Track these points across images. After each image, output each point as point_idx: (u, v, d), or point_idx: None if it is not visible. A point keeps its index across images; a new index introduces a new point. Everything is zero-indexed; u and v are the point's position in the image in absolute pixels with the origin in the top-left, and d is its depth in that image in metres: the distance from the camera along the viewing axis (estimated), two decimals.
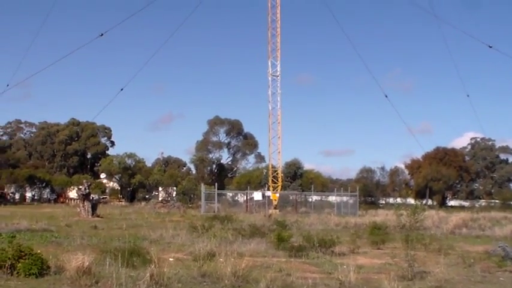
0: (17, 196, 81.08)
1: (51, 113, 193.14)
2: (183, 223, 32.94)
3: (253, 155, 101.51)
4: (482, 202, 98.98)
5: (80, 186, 45.70)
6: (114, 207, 59.84)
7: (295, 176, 79.24)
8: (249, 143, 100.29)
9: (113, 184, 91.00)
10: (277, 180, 63.13)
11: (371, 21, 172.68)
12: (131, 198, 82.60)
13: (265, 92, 64.01)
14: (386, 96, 61.36)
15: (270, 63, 62.94)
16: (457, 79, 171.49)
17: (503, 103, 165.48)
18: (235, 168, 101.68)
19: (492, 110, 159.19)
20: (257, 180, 76.60)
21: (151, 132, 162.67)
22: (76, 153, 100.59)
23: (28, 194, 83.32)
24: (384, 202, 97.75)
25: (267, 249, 20.64)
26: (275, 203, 60.31)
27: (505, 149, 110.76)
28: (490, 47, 53.76)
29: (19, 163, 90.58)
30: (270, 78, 62.92)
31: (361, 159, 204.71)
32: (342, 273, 13.48)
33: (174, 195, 79.55)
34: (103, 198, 70.32)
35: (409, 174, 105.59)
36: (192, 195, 74.01)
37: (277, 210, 57.45)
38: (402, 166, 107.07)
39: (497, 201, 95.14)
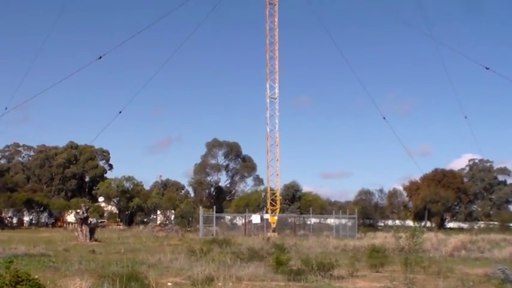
0: (14, 220, 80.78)
1: (49, 136, 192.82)
2: (181, 247, 32.87)
3: (251, 178, 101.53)
4: (481, 224, 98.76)
5: (78, 210, 45.65)
6: (112, 231, 59.67)
7: (294, 199, 79.13)
8: (247, 166, 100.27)
9: (111, 207, 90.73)
10: (276, 203, 62.99)
11: (369, 44, 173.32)
12: (129, 221, 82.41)
13: (264, 115, 64.23)
14: (384, 118, 61.86)
15: (268, 86, 63.23)
16: (455, 101, 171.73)
17: (501, 124, 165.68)
18: (234, 191, 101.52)
19: (490, 132, 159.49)
20: (255, 203, 76.44)
21: (150, 155, 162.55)
22: (74, 177, 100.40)
23: (26, 218, 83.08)
24: (382, 224, 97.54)
25: (265, 273, 20.58)
26: (273, 225, 60.18)
27: (503, 171, 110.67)
28: (487, 68, 54.30)
29: (17, 187, 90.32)
30: (268, 101, 63.15)
31: (359, 181, 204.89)
32: None
33: (172, 218, 79.39)
34: (101, 222, 70.03)
35: (407, 196, 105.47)
36: (190, 219, 73.87)
37: (276, 233, 57.28)
38: (401, 188, 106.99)
39: (496, 223, 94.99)
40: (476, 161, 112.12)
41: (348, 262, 23.47)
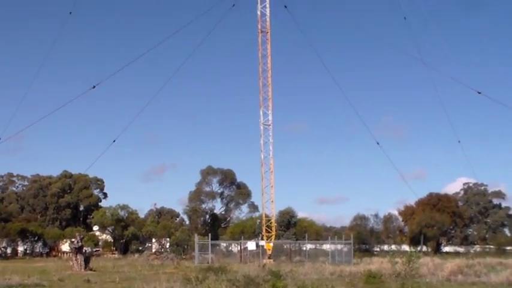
0: (8, 250, 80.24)
1: (43, 166, 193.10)
2: (176, 275, 32.71)
3: (246, 205, 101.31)
4: (477, 248, 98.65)
5: (73, 239, 45.47)
6: (107, 260, 59.37)
7: (289, 225, 78.92)
8: (242, 193, 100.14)
9: (106, 236, 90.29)
10: (271, 230, 62.79)
11: (361, 69, 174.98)
12: (124, 250, 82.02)
13: (258, 141, 64.22)
14: (378, 143, 62.00)
15: (261, 113, 63.37)
16: (448, 124, 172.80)
17: (494, 148, 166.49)
18: (229, 218, 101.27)
19: (484, 155, 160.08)
20: (251, 230, 76.24)
21: (144, 183, 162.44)
22: (69, 206, 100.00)
23: (20, 248, 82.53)
24: (378, 249, 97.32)
25: None
26: (269, 252, 59.93)
27: (497, 194, 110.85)
28: (479, 92, 54.55)
29: (11, 217, 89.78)
30: (262, 127, 63.26)
31: (354, 206, 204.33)
32: None
33: (167, 246, 79.01)
34: (96, 250, 69.69)
35: (402, 220, 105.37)
36: (185, 246, 73.54)
37: (272, 260, 57.06)
38: (396, 213, 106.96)
39: (492, 246, 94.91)
40: (471, 184, 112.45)
41: None
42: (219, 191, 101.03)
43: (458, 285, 29.44)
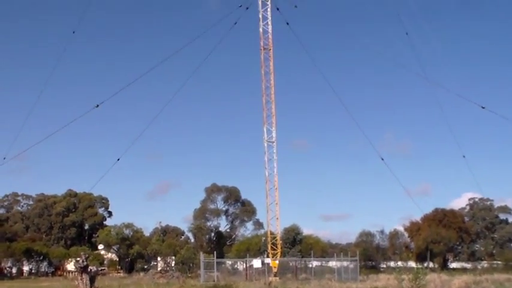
0: (14, 270, 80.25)
1: (48, 185, 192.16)
2: None
3: (251, 222, 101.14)
4: (484, 263, 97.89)
5: (78, 259, 45.23)
6: (112, 279, 59.18)
7: (295, 242, 78.55)
8: (247, 210, 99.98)
9: (111, 255, 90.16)
10: (277, 247, 62.49)
11: (365, 86, 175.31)
12: (130, 269, 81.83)
13: (262, 159, 64.11)
14: (382, 159, 61.81)
15: (265, 130, 63.34)
16: (452, 140, 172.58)
17: (500, 163, 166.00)
18: (234, 236, 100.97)
19: (489, 170, 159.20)
20: (256, 247, 75.91)
21: (149, 201, 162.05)
22: (73, 225, 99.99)
23: (25, 268, 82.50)
24: (384, 266, 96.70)
25: None
26: (275, 270, 59.64)
27: (504, 209, 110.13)
28: (483, 107, 54.62)
29: (16, 236, 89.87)
30: (265, 145, 63.16)
31: (360, 222, 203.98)
32: None
33: (173, 264, 78.77)
34: (101, 269, 69.55)
35: (408, 236, 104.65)
36: (191, 265, 73.26)
37: (277, 278, 56.77)
38: (401, 229, 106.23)
39: (499, 262, 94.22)
40: (477, 199, 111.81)
41: None
42: (224, 209, 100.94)
43: None
